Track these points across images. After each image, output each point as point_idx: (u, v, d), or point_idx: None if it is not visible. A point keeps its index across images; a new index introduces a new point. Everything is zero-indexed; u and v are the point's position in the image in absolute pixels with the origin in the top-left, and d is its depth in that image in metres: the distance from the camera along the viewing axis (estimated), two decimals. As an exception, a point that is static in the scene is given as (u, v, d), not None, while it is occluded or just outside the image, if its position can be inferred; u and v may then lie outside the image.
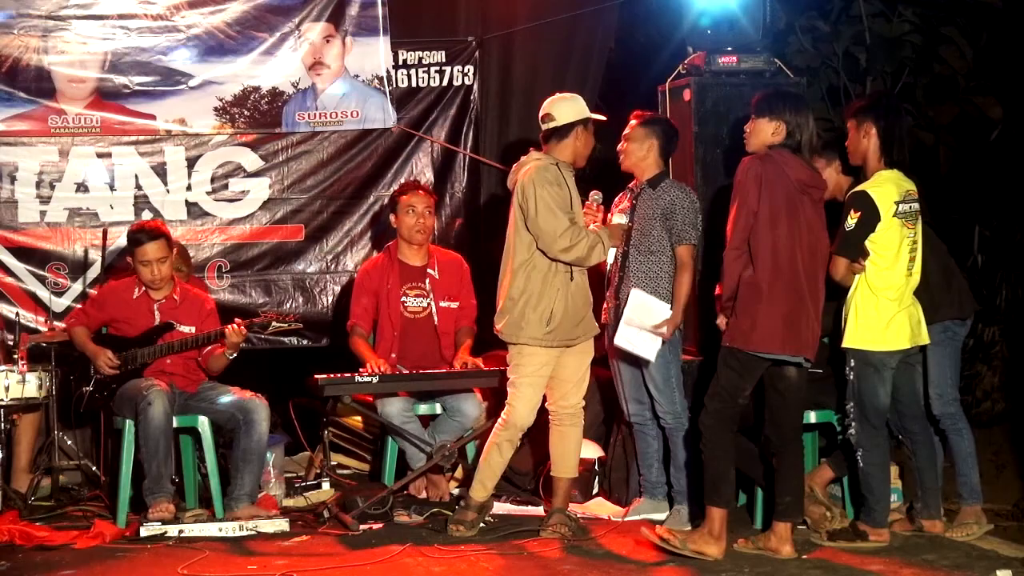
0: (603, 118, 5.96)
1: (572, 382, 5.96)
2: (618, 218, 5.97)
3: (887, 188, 5.54)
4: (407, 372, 6.45)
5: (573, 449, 6.03)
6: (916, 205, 5.60)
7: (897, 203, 5.52)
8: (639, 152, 6.05)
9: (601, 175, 6.73)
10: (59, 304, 7.44)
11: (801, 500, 5.60)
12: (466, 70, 7.92)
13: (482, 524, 6.00)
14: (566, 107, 5.86)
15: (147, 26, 7.55)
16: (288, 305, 7.68)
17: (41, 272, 7.49)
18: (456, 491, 6.70)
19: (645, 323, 5.91)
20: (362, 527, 6.05)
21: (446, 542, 5.78)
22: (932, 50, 8.45)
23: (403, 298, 6.68)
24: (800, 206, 5.37)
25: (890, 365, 5.59)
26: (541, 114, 5.90)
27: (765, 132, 5.45)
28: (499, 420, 5.92)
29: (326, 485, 6.88)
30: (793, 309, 5.35)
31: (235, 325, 6.27)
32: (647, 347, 5.91)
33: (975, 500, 5.82)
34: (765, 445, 5.59)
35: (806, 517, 5.76)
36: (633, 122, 6.09)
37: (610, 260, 5.97)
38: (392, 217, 6.74)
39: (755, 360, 5.40)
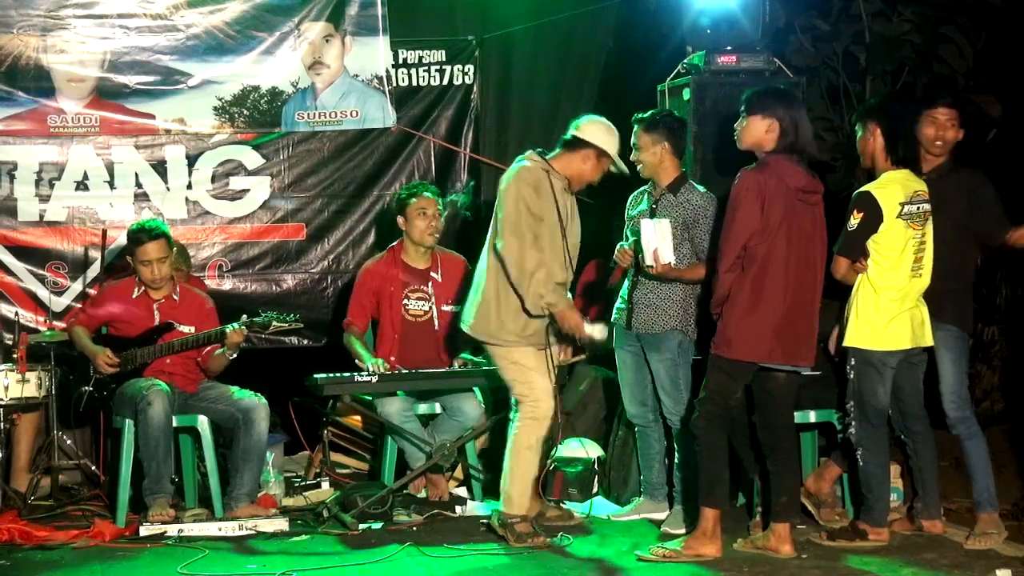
0: (625, 170, 5.85)
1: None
2: (592, 329, 5.65)
3: (892, 189, 5.52)
4: (406, 371, 6.45)
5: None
6: (925, 206, 5.56)
7: (902, 204, 5.49)
8: (653, 160, 5.97)
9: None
10: (58, 303, 7.44)
11: (798, 500, 5.60)
12: (466, 69, 7.91)
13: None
14: (593, 129, 5.77)
15: (146, 25, 7.54)
16: (288, 304, 7.67)
17: (40, 271, 7.49)
18: (455, 490, 6.71)
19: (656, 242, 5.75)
20: (361, 526, 6.06)
21: (446, 541, 5.77)
22: (932, 49, 8.42)
23: (405, 301, 6.67)
24: (797, 214, 5.33)
25: (890, 364, 5.58)
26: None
27: (758, 130, 5.37)
28: (520, 423, 5.73)
29: (325, 484, 6.88)
30: (783, 318, 5.32)
31: (236, 325, 6.27)
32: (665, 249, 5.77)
33: (992, 507, 5.72)
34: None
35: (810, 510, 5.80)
36: (636, 128, 6.01)
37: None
38: (400, 219, 6.72)
39: (743, 364, 5.39)
